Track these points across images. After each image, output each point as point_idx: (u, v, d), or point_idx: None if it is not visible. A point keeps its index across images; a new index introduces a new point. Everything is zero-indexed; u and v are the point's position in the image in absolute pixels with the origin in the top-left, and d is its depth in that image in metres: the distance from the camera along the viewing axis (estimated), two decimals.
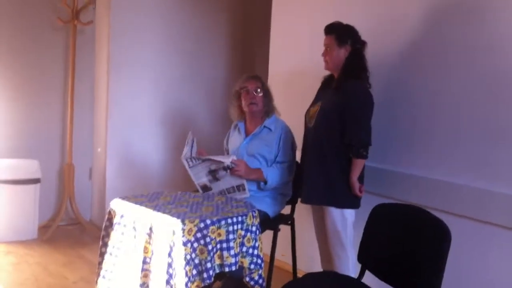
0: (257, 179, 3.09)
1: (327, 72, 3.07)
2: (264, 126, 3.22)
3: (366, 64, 2.90)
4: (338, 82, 2.88)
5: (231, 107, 3.36)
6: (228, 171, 3.00)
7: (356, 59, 2.88)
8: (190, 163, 3.03)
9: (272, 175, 3.09)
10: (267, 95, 3.26)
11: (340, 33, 2.91)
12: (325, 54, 2.97)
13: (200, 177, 3.06)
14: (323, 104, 2.92)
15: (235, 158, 3.02)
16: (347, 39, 2.90)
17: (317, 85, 3.14)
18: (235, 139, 3.33)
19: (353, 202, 2.88)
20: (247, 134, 3.29)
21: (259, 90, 3.21)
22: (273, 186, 3.12)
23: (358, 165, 2.80)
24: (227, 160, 2.98)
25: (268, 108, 3.25)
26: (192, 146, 3.10)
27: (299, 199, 3.29)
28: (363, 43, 2.93)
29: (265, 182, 3.09)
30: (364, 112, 2.80)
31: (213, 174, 3.04)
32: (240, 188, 3.07)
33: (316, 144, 2.90)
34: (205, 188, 3.10)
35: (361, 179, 2.86)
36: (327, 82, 3.07)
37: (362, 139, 2.78)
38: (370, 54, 2.94)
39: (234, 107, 3.33)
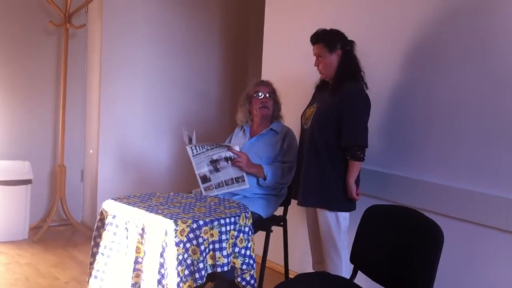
0: (256, 173, 3.12)
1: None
2: (271, 129, 3.29)
3: (359, 64, 2.89)
4: (334, 85, 2.86)
5: (239, 111, 3.40)
6: (230, 162, 3.05)
7: (349, 61, 2.87)
8: (194, 151, 3.07)
9: (272, 172, 3.12)
10: (277, 102, 3.35)
11: (328, 40, 2.88)
12: (317, 63, 2.94)
13: (201, 166, 3.10)
14: (319, 105, 2.92)
15: (238, 148, 3.08)
16: (336, 43, 2.87)
17: (310, 91, 3.13)
18: (239, 140, 3.36)
19: (348, 204, 2.87)
20: (252, 136, 3.33)
21: (271, 95, 3.29)
22: (272, 184, 3.14)
23: (355, 167, 2.79)
24: (232, 145, 3.06)
25: (276, 114, 3.35)
26: (193, 138, 3.14)
27: (291, 200, 3.30)
28: (351, 43, 2.91)
29: (264, 178, 3.11)
30: (361, 114, 2.79)
31: (215, 165, 3.08)
32: (239, 179, 3.10)
33: (312, 145, 2.89)
34: (205, 179, 3.13)
35: (357, 182, 2.85)
36: (322, 85, 3.05)
37: (359, 141, 2.76)
38: (366, 55, 2.94)
39: (243, 111, 3.37)
